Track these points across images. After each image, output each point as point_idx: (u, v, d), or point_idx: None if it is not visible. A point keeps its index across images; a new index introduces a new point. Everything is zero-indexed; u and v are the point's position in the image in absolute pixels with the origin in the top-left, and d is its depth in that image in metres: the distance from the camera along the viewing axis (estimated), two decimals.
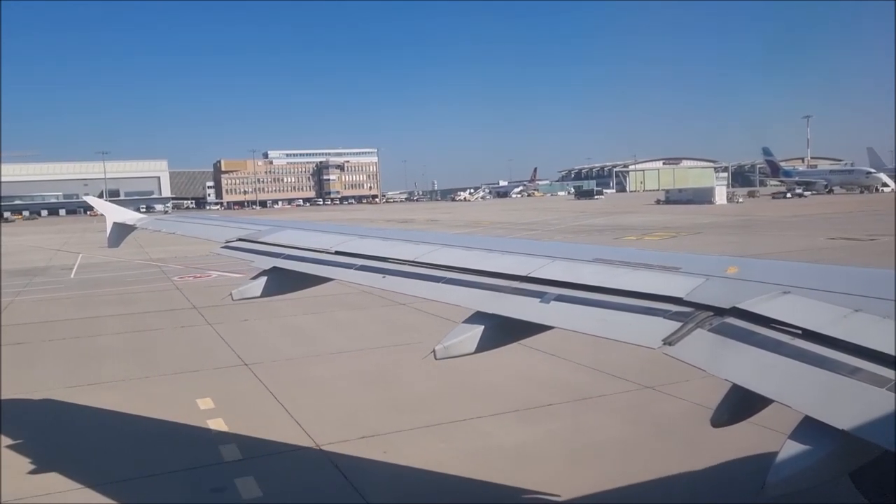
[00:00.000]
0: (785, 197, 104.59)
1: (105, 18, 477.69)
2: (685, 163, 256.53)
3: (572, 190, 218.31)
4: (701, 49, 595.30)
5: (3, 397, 11.66)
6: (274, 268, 5.13)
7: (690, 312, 2.83)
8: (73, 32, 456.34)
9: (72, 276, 32.04)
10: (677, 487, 7.70)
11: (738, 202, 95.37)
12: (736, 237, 39.89)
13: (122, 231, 8.28)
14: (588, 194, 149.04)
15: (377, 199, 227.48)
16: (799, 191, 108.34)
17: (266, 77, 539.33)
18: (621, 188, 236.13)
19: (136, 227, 8.15)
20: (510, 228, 57.81)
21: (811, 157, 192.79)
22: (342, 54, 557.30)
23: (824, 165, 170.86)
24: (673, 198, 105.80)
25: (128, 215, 8.40)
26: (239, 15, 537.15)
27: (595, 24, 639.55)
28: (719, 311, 2.77)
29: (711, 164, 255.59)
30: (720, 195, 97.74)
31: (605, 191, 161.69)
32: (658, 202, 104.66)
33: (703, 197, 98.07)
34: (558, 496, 7.54)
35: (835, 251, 30.55)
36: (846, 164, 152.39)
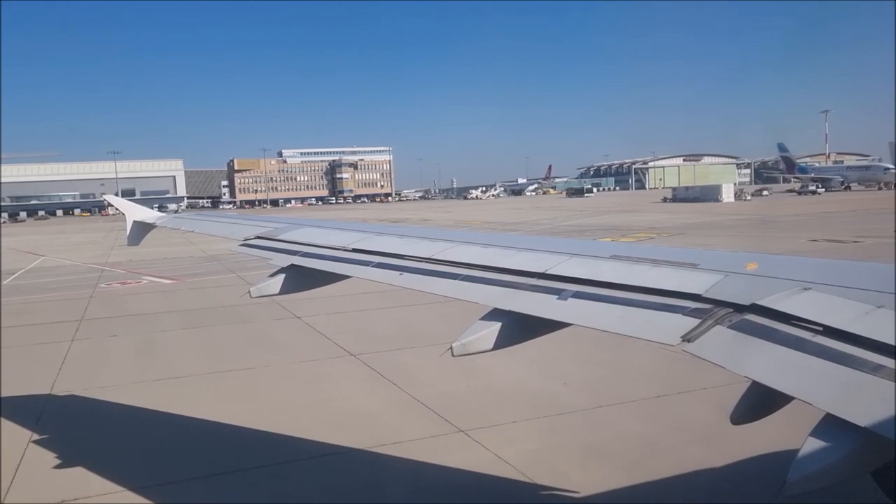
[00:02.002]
0: (762, 195, 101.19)
1: (121, 19, 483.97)
2: (706, 159, 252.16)
3: (590, 187, 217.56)
4: (722, 45, 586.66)
5: None
6: (291, 265, 5.09)
7: (709, 309, 2.77)
8: (89, 34, 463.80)
9: (5, 282, 30.96)
10: (697, 485, 7.48)
11: (746, 200, 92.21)
12: (713, 239, 37.69)
13: (141, 229, 8.34)
14: (579, 193, 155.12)
15: (389, 198, 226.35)
16: (812, 187, 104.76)
17: (283, 76, 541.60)
18: (640, 185, 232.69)
19: (155, 226, 8.20)
20: (497, 228, 56.32)
21: (836, 153, 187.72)
22: (358, 53, 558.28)
23: (850, 161, 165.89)
24: (680, 196, 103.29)
25: (147, 214, 8.49)
26: (255, 15, 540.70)
27: (613, 21, 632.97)
28: (739, 308, 2.71)
29: (733, 161, 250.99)
30: (727, 193, 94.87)
31: (595, 189, 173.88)
32: (665, 200, 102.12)
33: (709, 195, 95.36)
34: (576, 492, 7.26)
35: (807, 255, 28.30)
36: (873, 159, 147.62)
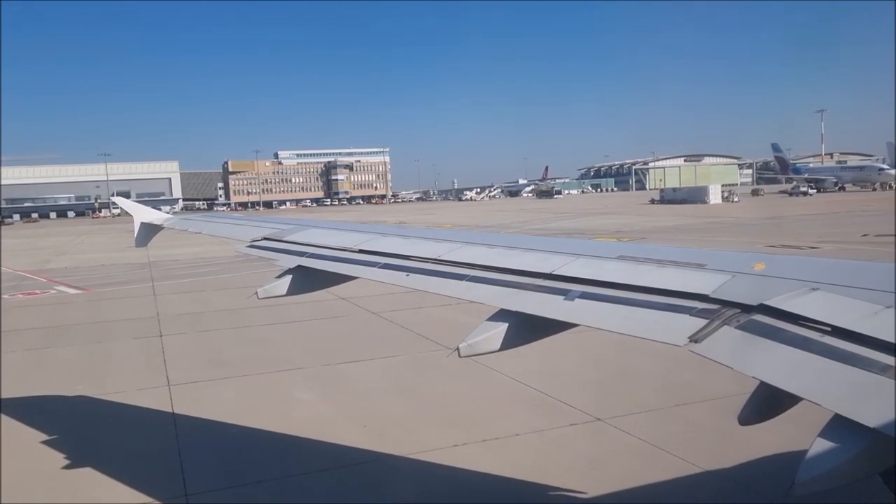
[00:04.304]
0: (734, 197, 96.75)
1: (118, 20, 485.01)
2: (707, 160, 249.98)
3: (588, 188, 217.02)
4: (725, 44, 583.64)
5: None
6: (298, 266, 5.08)
7: (717, 309, 2.75)
8: (85, 35, 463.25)
9: None
10: (705, 485, 7.44)
11: (733, 202, 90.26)
12: (673, 244, 35.96)
13: (149, 231, 8.35)
14: (547, 195, 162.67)
15: (384, 200, 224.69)
16: (804, 188, 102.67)
17: (280, 76, 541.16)
18: (641, 186, 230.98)
19: (163, 227, 8.23)
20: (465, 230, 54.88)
21: (840, 153, 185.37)
22: (357, 53, 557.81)
23: (854, 161, 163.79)
24: (667, 197, 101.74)
25: (155, 215, 8.51)
26: (251, 15, 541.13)
27: (615, 20, 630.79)
28: (746, 308, 2.69)
29: (735, 161, 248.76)
30: (714, 194, 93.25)
31: (564, 192, 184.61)
32: (652, 202, 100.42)
33: (696, 196, 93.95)
34: (584, 493, 7.25)
35: None
36: (877, 159, 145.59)
